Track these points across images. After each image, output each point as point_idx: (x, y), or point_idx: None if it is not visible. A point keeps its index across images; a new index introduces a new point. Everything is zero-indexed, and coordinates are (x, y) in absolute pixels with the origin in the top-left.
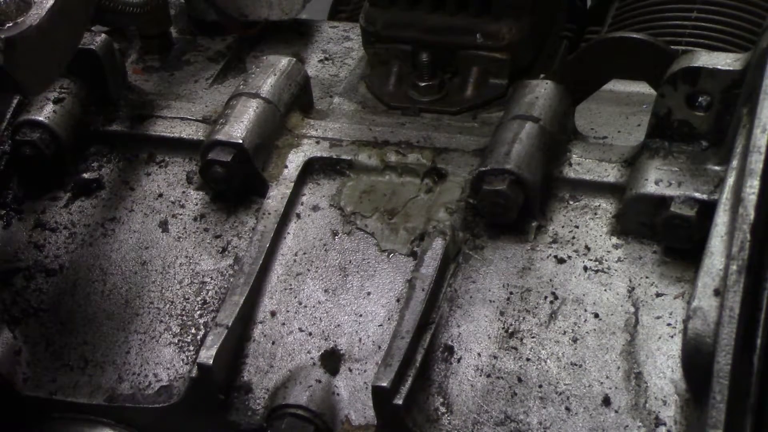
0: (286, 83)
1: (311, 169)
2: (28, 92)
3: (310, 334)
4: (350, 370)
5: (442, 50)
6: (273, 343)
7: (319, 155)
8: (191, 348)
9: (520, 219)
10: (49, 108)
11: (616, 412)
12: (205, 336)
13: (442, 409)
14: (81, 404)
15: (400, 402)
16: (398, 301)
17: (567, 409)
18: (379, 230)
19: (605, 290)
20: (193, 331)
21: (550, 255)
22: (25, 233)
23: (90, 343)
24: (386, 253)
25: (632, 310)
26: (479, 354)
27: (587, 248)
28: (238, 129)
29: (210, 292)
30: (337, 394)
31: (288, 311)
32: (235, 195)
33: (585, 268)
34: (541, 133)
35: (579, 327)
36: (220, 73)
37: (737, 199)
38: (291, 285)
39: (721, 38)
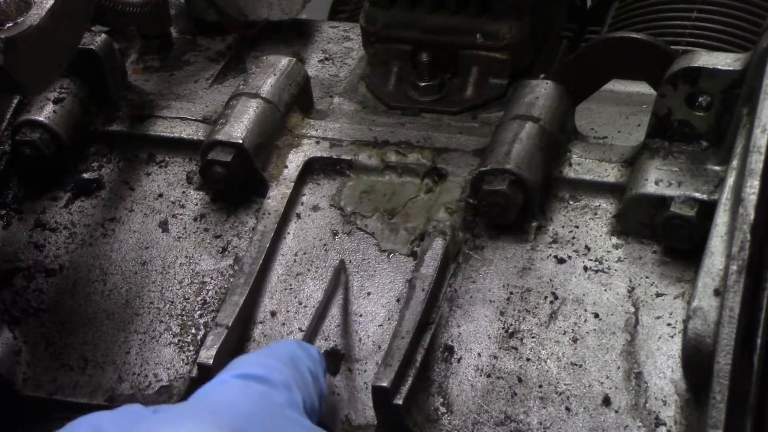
0: (286, 83)
1: (311, 169)
2: (28, 92)
3: None
4: (350, 370)
5: (442, 50)
6: None
7: (319, 155)
8: (191, 348)
9: (520, 219)
10: (49, 108)
11: (616, 412)
12: (205, 336)
13: (442, 409)
14: (81, 404)
15: (400, 402)
16: (398, 301)
17: (567, 409)
18: (379, 230)
19: (605, 290)
20: (193, 331)
21: (550, 255)
22: (25, 233)
23: (90, 343)
24: (386, 253)
25: (632, 310)
26: (479, 354)
27: (587, 248)
28: (238, 129)
29: (210, 292)
30: (337, 394)
31: (288, 311)
32: (235, 195)
33: (585, 268)
34: (541, 133)
35: (579, 327)
36: (220, 73)
37: (737, 199)
38: (291, 285)
39: (721, 38)
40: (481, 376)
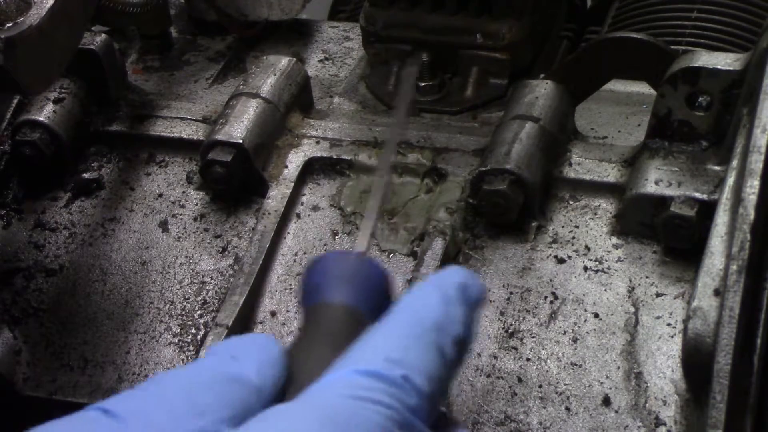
0: (286, 83)
1: (311, 169)
2: (28, 92)
3: None
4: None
5: (442, 50)
6: None
7: (319, 155)
8: (191, 348)
9: (520, 219)
10: (49, 108)
11: (616, 412)
12: (205, 336)
13: (442, 409)
14: (81, 404)
15: None
16: None
17: (567, 409)
18: (379, 230)
19: (605, 290)
20: (193, 331)
21: (550, 255)
22: (25, 233)
23: (90, 343)
24: (386, 253)
25: (632, 310)
26: (479, 354)
27: (587, 248)
28: (238, 129)
29: (210, 292)
30: None
31: (288, 311)
32: (235, 195)
33: (585, 268)
34: (541, 133)
35: (579, 327)
36: (220, 73)
37: (737, 199)
38: (291, 285)
39: (721, 38)
40: (481, 376)
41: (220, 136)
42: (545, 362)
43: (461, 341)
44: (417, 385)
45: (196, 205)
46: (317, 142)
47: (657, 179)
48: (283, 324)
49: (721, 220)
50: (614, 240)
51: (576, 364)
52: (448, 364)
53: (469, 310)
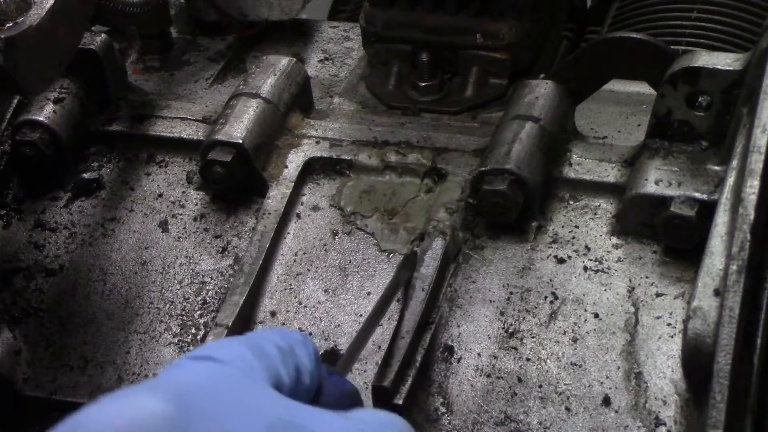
0: (286, 83)
1: (311, 169)
2: (28, 92)
3: (310, 334)
4: (350, 370)
5: (442, 50)
6: None
7: (319, 155)
8: (191, 348)
9: (520, 219)
10: (49, 108)
11: (616, 412)
12: (205, 336)
13: (442, 409)
14: (81, 404)
15: (400, 402)
16: (398, 301)
17: (567, 409)
18: (379, 230)
19: (605, 290)
20: (193, 331)
21: (550, 255)
22: (25, 233)
23: (90, 343)
24: (386, 253)
25: (632, 310)
26: (479, 354)
27: (587, 248)
28: (238, 129)
29: (210, 292)
30: None
31: (288, 311)
32: (235, 195)
33: (585, 268)
34: (541, 133)
35: (579, 327)
36: (220, 73)
37: (737, 199)
38: (291, 285)
39: (721, 38)
40: (481, 376)
41: (220, 136)
42: (545, 362)
43: (283, 350)
44: (237, 356)
45: (196, 205)
46: (317, 142)
47: (657, 179)
48: (283, 324)
49: (721, 220)
50: (614, 240)
51: (576, 364)
52: (269, 355)
53: (283, 338)
